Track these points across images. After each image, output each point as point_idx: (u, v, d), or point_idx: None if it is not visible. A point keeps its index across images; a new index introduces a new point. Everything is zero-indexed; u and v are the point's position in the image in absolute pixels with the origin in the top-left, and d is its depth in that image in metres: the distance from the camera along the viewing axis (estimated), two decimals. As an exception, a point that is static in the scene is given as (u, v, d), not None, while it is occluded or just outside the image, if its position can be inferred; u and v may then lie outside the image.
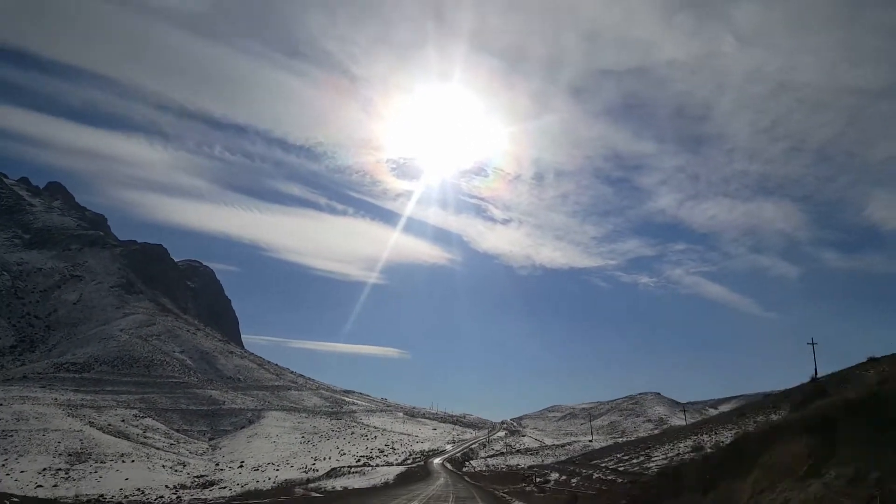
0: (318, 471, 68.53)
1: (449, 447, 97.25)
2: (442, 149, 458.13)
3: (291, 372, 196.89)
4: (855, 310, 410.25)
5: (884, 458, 5.98)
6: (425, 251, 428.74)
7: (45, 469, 61.60)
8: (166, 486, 58.02)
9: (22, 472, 59.26)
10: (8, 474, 57.46)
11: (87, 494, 51.64)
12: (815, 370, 53.56)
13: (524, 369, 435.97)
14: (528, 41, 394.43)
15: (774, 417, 30.49)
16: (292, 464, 76.94)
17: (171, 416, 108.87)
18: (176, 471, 70.42)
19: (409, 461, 77.38)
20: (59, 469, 62.56)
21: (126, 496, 51.71)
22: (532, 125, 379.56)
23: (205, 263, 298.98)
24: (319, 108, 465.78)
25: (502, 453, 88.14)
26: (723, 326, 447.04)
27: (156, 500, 50.49)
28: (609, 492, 18.88)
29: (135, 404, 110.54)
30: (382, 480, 50.16)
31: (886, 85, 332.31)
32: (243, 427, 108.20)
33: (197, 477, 66.33)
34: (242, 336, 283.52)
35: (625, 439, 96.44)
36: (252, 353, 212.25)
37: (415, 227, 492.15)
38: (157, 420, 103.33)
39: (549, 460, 69.53)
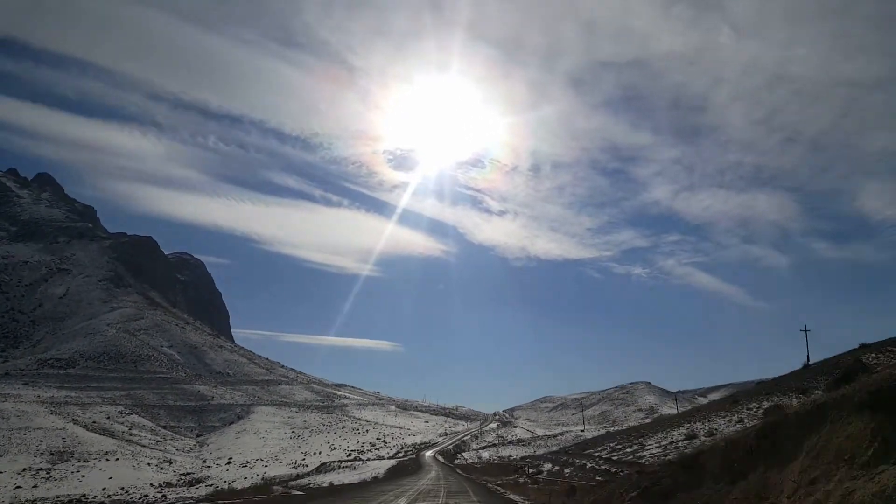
0: (307, 466, 67.32)
1: (441, 440, 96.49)
2: (439, 140, 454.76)
3: (282, 366, 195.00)
4: (845, 299, 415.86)
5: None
6: (420, 243, 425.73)
7: (25, 469, 59.86)
8: (151, 485, 56.41)
9: (0, 472, 57.45)
10: (-14, 475, 55.72)
11: (68, 495, 50.01)
12: (808, 356, 53.28)
13: (517, 361, 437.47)
14: (525, 31, 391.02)
15: (785, 401, 29.44)
16: (281, 459, 75.66)
17: (158, 413, 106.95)
18: (162, 469, 68.87)
19: (400, 454, 76.44)
20: (41, 469, 60.84)
21: (109, 496, 50.03)
22: (530, 116, 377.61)
23: (196, 256, 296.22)
24: (316, 99, 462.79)
25: (494, 445, 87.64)
26: (713, 316, 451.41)
27: (140, 499, 48.86)
28: (611, 482, 17.77)
29: (121, 401, 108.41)
30: (372, 475, 49.09)
31: (880, 76, 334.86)
32: (232, 423, 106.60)
33: (183, 475, 64.82)
34: (233, 330, 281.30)
35: (616, 428, 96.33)
36: (242, 348, 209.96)
37: (410, 219, 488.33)
38: (143, 417, 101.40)
39: (542, 451, 68.89)
